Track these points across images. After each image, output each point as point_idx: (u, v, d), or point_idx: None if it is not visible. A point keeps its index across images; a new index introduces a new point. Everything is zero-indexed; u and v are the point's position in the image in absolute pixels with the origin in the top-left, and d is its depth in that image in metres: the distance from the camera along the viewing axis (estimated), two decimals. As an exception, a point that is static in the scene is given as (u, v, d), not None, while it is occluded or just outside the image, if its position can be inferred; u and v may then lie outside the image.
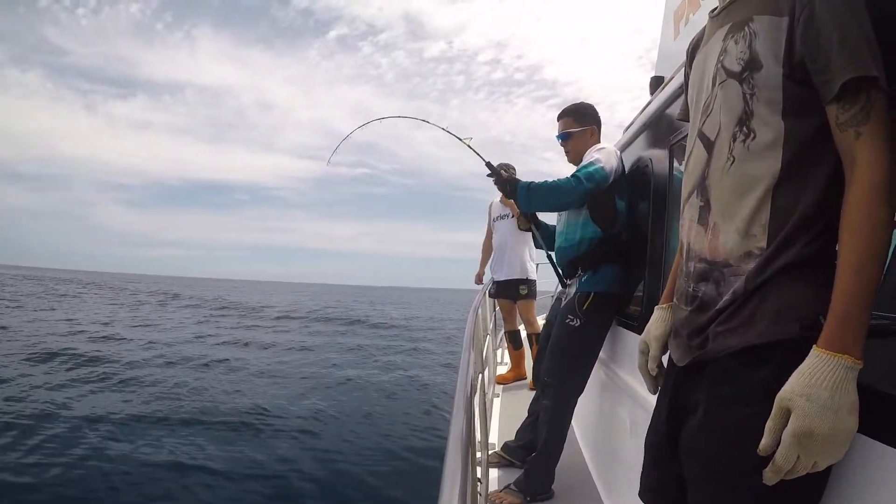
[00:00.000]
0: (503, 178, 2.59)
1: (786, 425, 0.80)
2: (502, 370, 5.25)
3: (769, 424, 0.83)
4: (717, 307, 1.00)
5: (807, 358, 0.82)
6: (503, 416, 3.88)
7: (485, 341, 3.63)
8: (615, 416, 2.52)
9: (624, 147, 2.87)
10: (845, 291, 0.82)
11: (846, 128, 0.86)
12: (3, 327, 14.72)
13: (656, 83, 2.40)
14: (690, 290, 1.08)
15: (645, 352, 1.30)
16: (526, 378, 4.89)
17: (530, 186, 2.50)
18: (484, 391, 2.59)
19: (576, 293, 2.57)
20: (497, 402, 4.27)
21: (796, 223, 0.92)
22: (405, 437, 6.88)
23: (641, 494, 1.20)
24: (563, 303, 2.68)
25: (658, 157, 2.24)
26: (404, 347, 16.26)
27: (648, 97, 2.53)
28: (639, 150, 2.60)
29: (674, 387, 1.12)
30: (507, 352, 5.37)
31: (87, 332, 15.36)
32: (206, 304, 32.61)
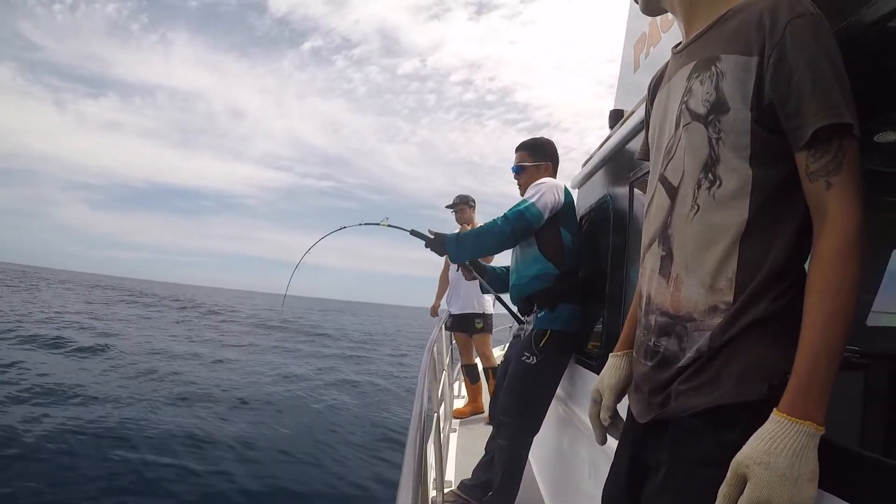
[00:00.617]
0: (430, 239, 2.65)
1: (741, 492, 0.76)
2: (459, 403, 5.18)
3: (723, 490, 0.78)
4: (680, 364, 0.94)
5: (766, 422, 0.77)
6: (460, 452, 3.81)
7: (441, 376, 3.58)
8: (574, 455, 2.46)
9: (582, 181, 2.87)
10: (810, 352, 0.77)
11: (817, 177, 0.82)
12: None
13: (616, 116, 2.40)
14: (651, 344, 1.02)
15: (597, 401, 1.24)
16: (483, 412, 4.84)
17: (458, 237, 2.57)
18: (440, 429, 2.53)
19: (532, 330, 2.54)
20: (454, 438, 4.19)
21: (765, 276, 0.87)
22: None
23: None
24: (521, 339, 2.65)
25: (617, 194, 2.23)
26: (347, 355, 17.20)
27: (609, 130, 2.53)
28: (598, 185, 2.60)
29: (633, 442, 1.07)
30: (464, 385, 5.32)
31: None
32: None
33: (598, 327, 2.30)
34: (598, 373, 1.37)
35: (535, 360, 2.48)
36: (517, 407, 2.51)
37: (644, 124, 1.27)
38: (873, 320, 2.10)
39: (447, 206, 5.05)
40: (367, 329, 37.61)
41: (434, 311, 5.54)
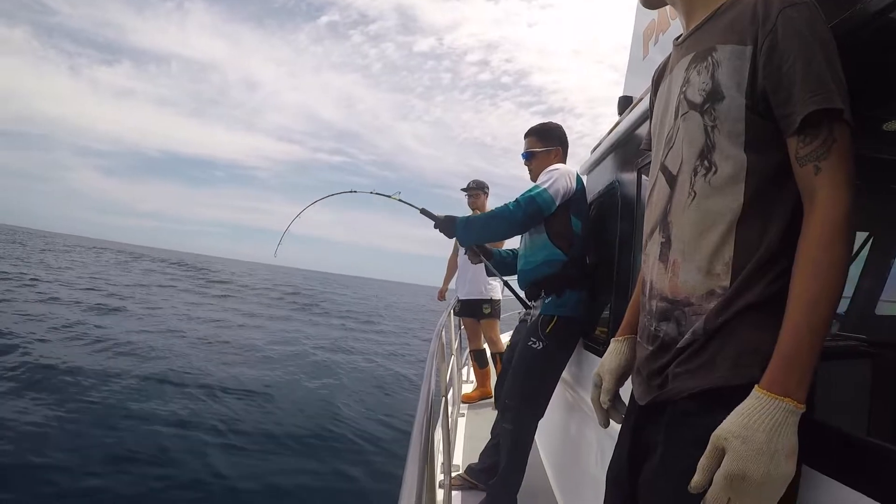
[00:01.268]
0: (440, 220, 2.64)
1: (719, 465, 0.78)
2: (468, 388, 5.22)
3: (702, 462, 0.80)
4: (678, 346, 0.96)
5: (747, 398, 0.79)
6: (468, 437, 3.86)
7: (449, 361, 3.60)
8: (581, 439, 2.49)
9: (591, 168, 2.87)
10: (794, 332, 0.79)
11: (806, 162, 0.83)
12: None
13: (625, 103, 2.39)
14: (652, 329, 1.05)
15: (598, 384, 1.27)
16: (492, 397, 4.86)
17: (468, 221, 2.56)
18: (448, 414, 2.56)
19: (539, 315, 2.56)
20: (462, 422, 4.24)
21: (759, 260, 0.88)
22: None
23: None
24: (527, 324, 2.67)
25: (625, 180, 2.23)
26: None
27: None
28: (606, 171, 2.60)
29: (635, 424, 1.10)
30: (472, 370, 5.36)
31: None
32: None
33: (606, 313, 2.31)
34: None
35: (541, 346, 2.49)
36: (522, 391, 2.53)
37: (649, 113, 1.28)
38: (882, 309, 2.10)
39: (462, 189, 5.05)
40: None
41: (442, 295, 5.55)
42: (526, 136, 2.84)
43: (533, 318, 2.61)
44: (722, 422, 0.82)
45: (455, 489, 2.84)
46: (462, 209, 5.03)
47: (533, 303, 2.69)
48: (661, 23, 2.17)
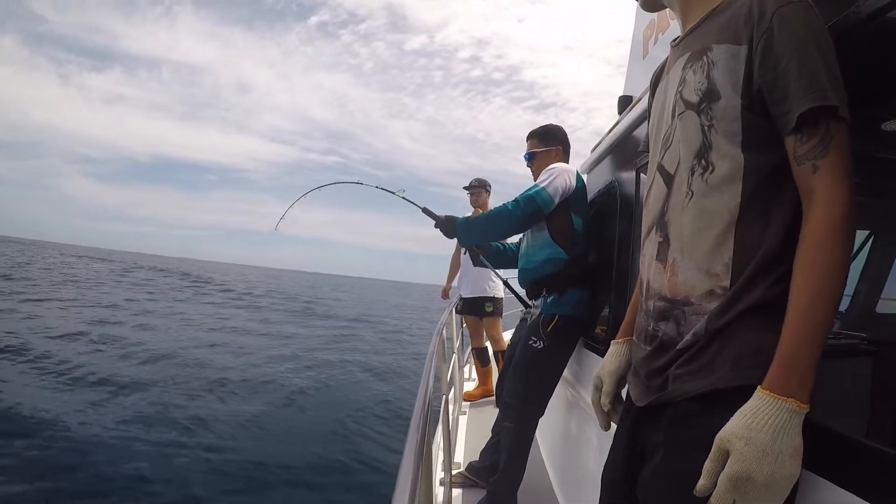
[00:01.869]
0: (440, 220, 2.67)
1: (724, 466, 0.78)
2: (470, 386, 5.23)
3: (707, 465, 0.80)
4: (678, 347, 0.96)
5: (750, 399, 0.79)
6: (469, 434, 3.87)
7: (451, 359, 3.61)
8: (582, 437, 2.49)
9: (591, 167, 2.87)
10: (794, 332, 0.79)
11: (803, 161, 0.83)
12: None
13: (625, 102, 2.39)
14: (650, 328, 1.04)
15: (599, 387, 1.27)
16: (493, 395, 4.87)
17: (468, 221, 2.58)
18: (449, 412, 2.57)
19: (540, 314, 2.56)
20: (463, 420, 4.25)
21: (760, 261, 0.88)
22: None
23: None
24: (528, 323, 2.67)
25: (624, 180, 2.23)
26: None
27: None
28: (606, 170, 2.60)
29: (631, 425, 1.09)
30: (474, 368, 5.36)
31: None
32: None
33: (606, 312, 2.31)
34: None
35: (541, 345, 2.49)
36: (523, 390, 2.53)
37: (647, 115, 1.28)
38: (882, 307, 2.10)
39: (464, 188, 5.07)
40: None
41: (445, 294, 5.57)
42: (528, 138, 2.87)
43: (533, 317, 2.61)
44: (723, 424, 0.82)
45: (456, 486, 2.85)
46: (458, 207, 5.06)
47: (534, 302, 2.70)
48: (661, 23, 2.17)
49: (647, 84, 1.28)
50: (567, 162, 2.79)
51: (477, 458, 2.95)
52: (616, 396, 1.25)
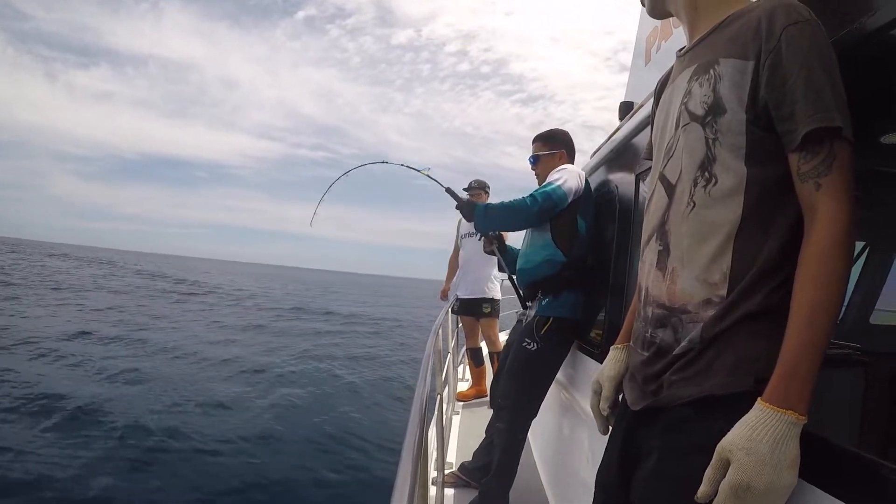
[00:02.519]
0: (462, 202, 2.73)
1: (724, 475, 0.80)
2: (463, 387, 5.23)
3: (708, 473, 0.82)
4: (674, 353, 0.97)
5: (751, 410, 0.81)
6: (463, 434, 3.87)
7: (445, 359, 3.62)
8: (574, 440, 2.50)
9: (591, 172, 2.89)
10: (795, 345, 0.80)
11: (807, 178, 0.84)
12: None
13: (626, 109, 2.40)
14: (648, 335, 1.06)
15: (598, 392, 1.29)
16: (486, 395, 4.88)
17: (488, 208, 2.61)
18: (442, 411, 2.57)
19: (535, 316, 2.57)
20: (457, 420, 4.25)
21: (758, 272, 0.90)
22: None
23: None
24: (523, 325, 2.68)
25: (624, 186, 2.24)
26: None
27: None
28: (605, 176, 2.61)
29: (626, 429, 1.11)
30: (468, 368, 5.37)
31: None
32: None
33: (602, 316, 2.32)
34: (599, 361, 1.40)
35: (535, 347, 2.50)
36: (516, 392, 2.55)
37: (650, 123, 1.29)
38: (877, 318, 2.12)
39: (464, 189, 5.08)
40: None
41: (444, 295, 5.57)
42: (533, 142, 2.90)
43: (528, 319, 2.62)
44: (718, 429, 0.84)
45: (448, 486, 2.86)
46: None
47: (529, 303, 2.71)
48: (664, 30, 2.18)
49: (649, 90, 1.28)
50: (572, 163, 2.80)
51: (469, 459, 2.96)
52: (615, 401, 1.27)
